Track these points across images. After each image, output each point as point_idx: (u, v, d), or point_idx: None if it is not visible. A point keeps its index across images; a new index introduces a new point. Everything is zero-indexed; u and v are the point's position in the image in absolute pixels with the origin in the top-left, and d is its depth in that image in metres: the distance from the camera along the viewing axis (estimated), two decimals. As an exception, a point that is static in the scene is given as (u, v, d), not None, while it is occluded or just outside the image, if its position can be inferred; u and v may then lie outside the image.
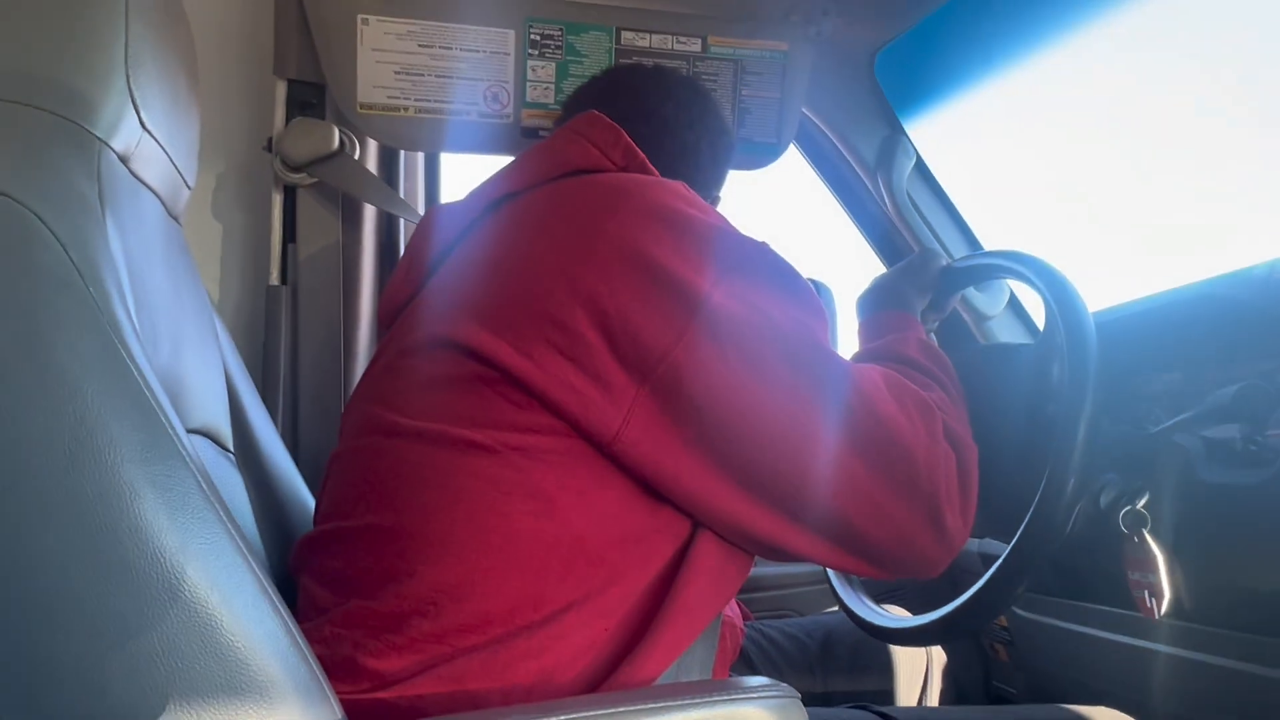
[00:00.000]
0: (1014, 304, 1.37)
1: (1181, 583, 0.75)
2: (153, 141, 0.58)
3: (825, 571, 0.98)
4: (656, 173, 0.71)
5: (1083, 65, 1.20)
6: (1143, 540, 0.74)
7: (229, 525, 0.43)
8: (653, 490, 0.61)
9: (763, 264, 0.64)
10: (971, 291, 1.31)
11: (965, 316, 1.35)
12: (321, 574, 0.62)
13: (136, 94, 0.54)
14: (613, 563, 0.59)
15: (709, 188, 0.91)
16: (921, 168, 1.34)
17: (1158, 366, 0.97)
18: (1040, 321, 1.37)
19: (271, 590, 0.44)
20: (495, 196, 0.71)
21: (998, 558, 0.71)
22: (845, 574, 0.96)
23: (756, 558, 0.68)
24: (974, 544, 1.19)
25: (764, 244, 0.65)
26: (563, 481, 0.58)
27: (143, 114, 0.55)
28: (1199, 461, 0.77)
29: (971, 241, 1.37)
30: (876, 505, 0.62)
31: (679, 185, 0.67)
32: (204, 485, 0.43)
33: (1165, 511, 0.76)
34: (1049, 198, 1.57)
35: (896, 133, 1.31)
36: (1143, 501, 0.75)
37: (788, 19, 1.15)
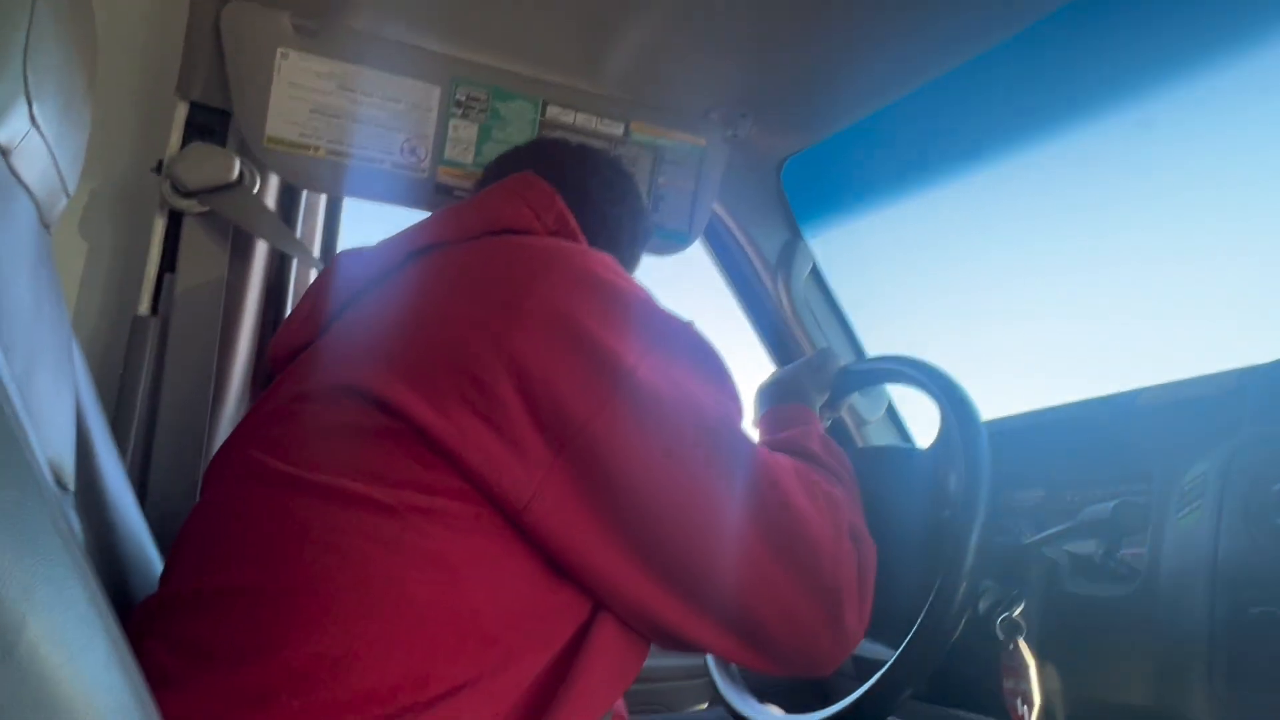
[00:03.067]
0: (890, 409, 1.43)
1: (1050, 692, 0.78)
2: (39, 138, 0.52)
3: (707, 666, 0.95)
4: (585, 242, 0.70)
5: (975, 200, 1.29)
6: (1017, 648, 0.76)
7: (85, 573, 0.37)
8: (556, 568, 0.58)
9: (687, 343, 0.64)
10: (855, 394, 1.37)
11: (847, 419, 1.40)
12: (174, 640, 0.54)
13: (32, 84, 0.49)
14: (507, 643, 0.55)
15: (625, 266, 0.91)
16: (817, 273, 1.40)
17: (1024, 482, 1.03)
18: (915, 428, 1.45)
19: (127, 654, 0.38)
20: (417, 246, 0.68)
21: (872, 660, 0.71)
22: (728, 671, 0.94)
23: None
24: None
25: (689, 323, 0.65)
26: (466, 550, 0.54)
27: (34, 107, 0.50)
28: (1065, 574, 0.81)
29: (857, 347, 1.44)
30: (780, 597, 0.61)
31: (607, 257, 0.66)
32: (59, 524, 0.37)
33: (1036, 620, 0.79)
34: (935, 312, 1.68)
35: (796, 237, 1.37)
36: (1019, 610, 0.78)
37: (707, 116, 1.20)
